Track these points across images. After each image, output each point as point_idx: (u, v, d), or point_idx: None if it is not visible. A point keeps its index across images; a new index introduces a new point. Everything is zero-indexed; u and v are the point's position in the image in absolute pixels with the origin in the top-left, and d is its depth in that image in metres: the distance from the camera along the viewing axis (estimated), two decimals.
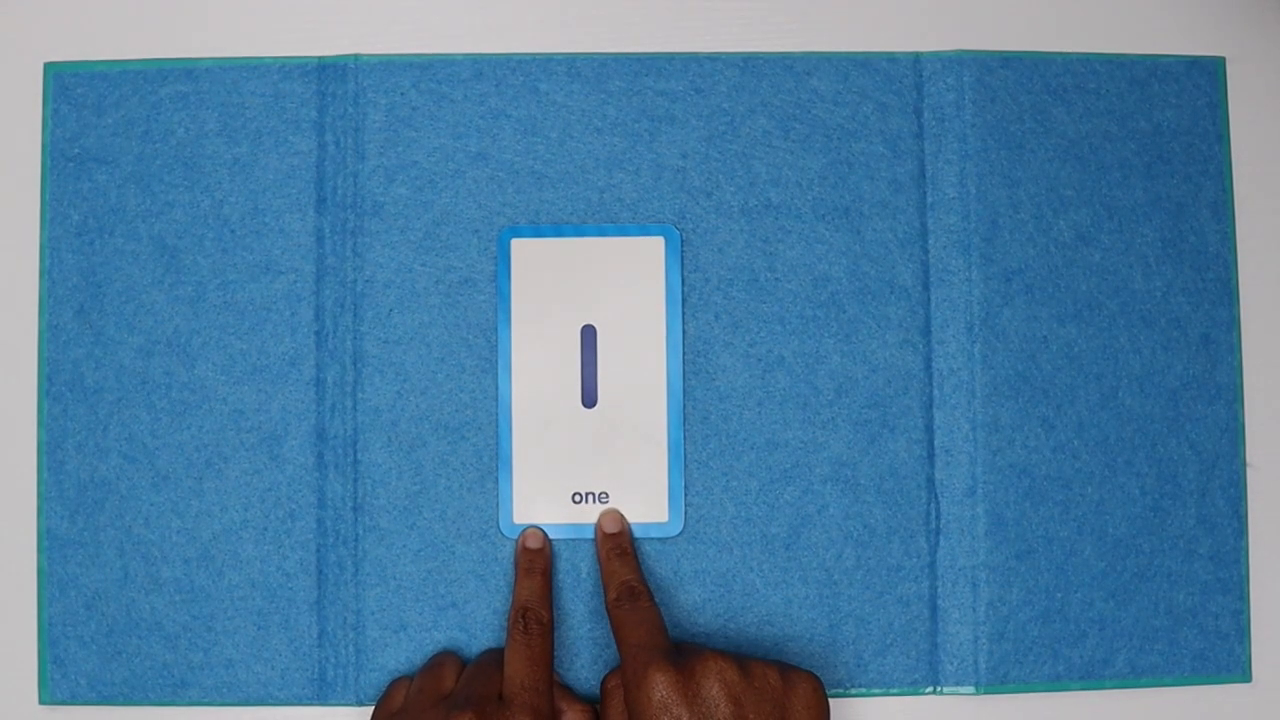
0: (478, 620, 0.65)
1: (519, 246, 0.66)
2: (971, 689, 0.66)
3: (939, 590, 0.66)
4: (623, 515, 0.65)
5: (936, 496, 0.66)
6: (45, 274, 0.66)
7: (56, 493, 0.65)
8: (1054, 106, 0.67)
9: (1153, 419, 0.67)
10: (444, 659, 0.64)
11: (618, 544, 0.65)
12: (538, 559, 0.64)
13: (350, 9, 0.68)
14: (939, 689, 0.66)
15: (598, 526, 0.65)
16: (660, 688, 0.58)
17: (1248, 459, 0.67)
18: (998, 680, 0.66)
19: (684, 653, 0.60)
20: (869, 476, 0.66)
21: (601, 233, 0.66)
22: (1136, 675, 0.66)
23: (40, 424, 0.65)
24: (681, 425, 0.66)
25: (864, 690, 0.66)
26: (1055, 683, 0.66)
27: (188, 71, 0.67)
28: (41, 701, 0.65)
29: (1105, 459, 0.66)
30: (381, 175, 0.66)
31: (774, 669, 0.59)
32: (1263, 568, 0.67)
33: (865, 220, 0.67)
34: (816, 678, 0.59)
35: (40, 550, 0.65)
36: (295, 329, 0.66)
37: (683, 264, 0.67)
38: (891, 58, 0.67)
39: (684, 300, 0.66)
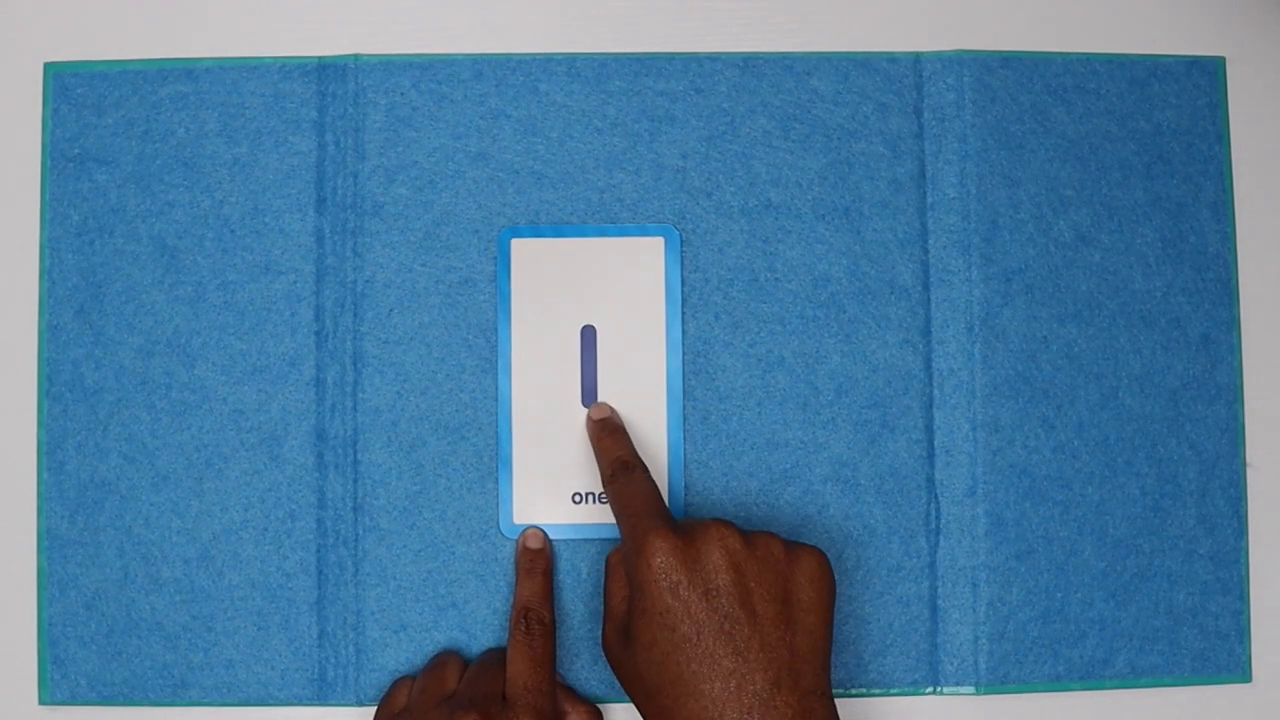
0: (478, 620, 0.65)
1: (519, 246, 0.66)
2: (971, 689, 0.66)
3: (939, 590, 0.66)
4: (610, 405, 0.65)
5: (936, 496, 0.66)
6: (45, 274, 0.66)
7: (56, 493, 0.65)
8: (1054, 106, 0.67)
9: (1153, 419, 0.67)
10: (446, 659, 0.64)
11: (607, 424, 0.64)
12: (538, 559, 0.64)
13: (350, 9, 0.68)
14: (939, 689, 0.66)
15: (587, 418, 0.65)
16: (660, 554, 0.57)
17: (1248, 459, 0.67)
18: (998, 680, 0.66)
19: (686, 523, 0.59)
20: (869, 476, 0.66)
21: (601, 233, 0.66)
22: (1136, 675, 0.66)
23: (40, 424, 0.65)
24: (681, 425, 0.66)
25: (864, 690, 0.66)
26: (1055, 683, 0.66)
27: (188, 71, 0.67)
28: (41, 701, 0.65)
29: (1105, 459, 0.66)
30: (381, 175, 0.66)
31: (778, 541, 0.58)
32: (1263, 568, 0.67)
33: (865, 220, 0.67)
34: (822, 552, 0.59)
35: (40, 550, 0.65)
36: (295, 329, 0.66)
37: (683, 264, 0.67)
38: (891, 58, 0.67)
39: (684, 300, 0.66)
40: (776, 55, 0.67)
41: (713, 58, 0.67)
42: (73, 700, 0.65)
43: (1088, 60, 0.68)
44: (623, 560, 0.60)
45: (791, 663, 0.56)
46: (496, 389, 0.66)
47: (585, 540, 0.66)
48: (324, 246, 0.66)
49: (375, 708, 0.64)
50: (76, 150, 0.66)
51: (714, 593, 0.56)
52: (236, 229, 0.66)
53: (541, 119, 0.67)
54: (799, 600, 0.57)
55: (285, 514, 0.65)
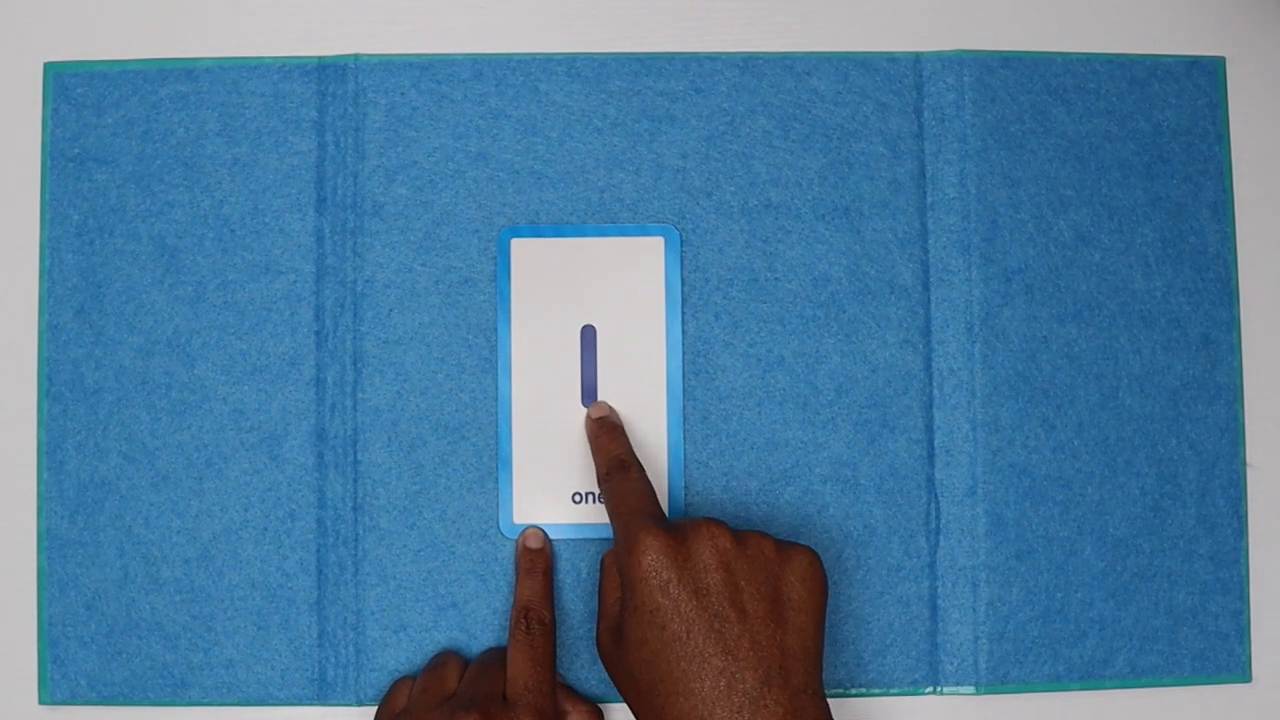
0: (478, 620, 0.65)
1: (519, 246, 0.66)
2: (971, 689, 0.66)
3: (939, 590, 0.66)
4: (609, 404, 0.65)
5: (936, 496, 0.66)
6: (45, 274, 0.66)
7: (56, 493, 0.65)
8: (1054, 106, 0.67)
9: (1153, 419, 0.67)
10: (447, 659, 0.64)
11: (605, 423, 0.65)
12: (539, 559, 0.64)
13: (350, 9, 0.68)
14: (939, 689, 0.66)
15: (586, 416, 0.65)
16: (651, 552, 0.57)
17: (1248, 459, 0.67)
18: (998, 680, 0.66)
19: (677, 522, 0.59)
20: (869, 476, 0.66)
21: (601, 233, 0.66)
22: (1136, 675, 0.66)
23: (40, 424, 0.65)
24: (681, 425, 0.66)
25: (864, 690, 0.66)
26: (1055, 683, 0.66)
27: (188, 71, 0.67)
28: (41, 701, 0.65)
29: (1105, 459, 0.66)
30: (381, 175, 0.66)
31: (769, 540, 0.58)
32: (1263, 568, 0.67)
33: (865, 220, 0.67)
34: (814, 551, 0.59)
35: (40, 550, 0.65)
36: (295, 329, 0.66)
37: (683, 264, 0.67)
38: (891, 58, 0.67)
39: (684, 300, 0.66)
40: (776, 55, 0.67)
41: (713, 58, 0.67)
42: (73, 700, 0.65)
43: (1088, 60, 0.68)
44: (615, 563, 0.60)
45: (782, 661, 0.56)
46: (496, 389, 0.66)
47: (585, 540, 0.66)
48: (324, 246, 0.66)
49: (375, 708, 0.64)
50: (76, 150, 0.66)
51: (704, 591, 0.56)
52: (236, 229, 0.66)
53: (541, 119, 0.67)
54: (790, 599, 0.57)
55: (285, 514, 0.65)
